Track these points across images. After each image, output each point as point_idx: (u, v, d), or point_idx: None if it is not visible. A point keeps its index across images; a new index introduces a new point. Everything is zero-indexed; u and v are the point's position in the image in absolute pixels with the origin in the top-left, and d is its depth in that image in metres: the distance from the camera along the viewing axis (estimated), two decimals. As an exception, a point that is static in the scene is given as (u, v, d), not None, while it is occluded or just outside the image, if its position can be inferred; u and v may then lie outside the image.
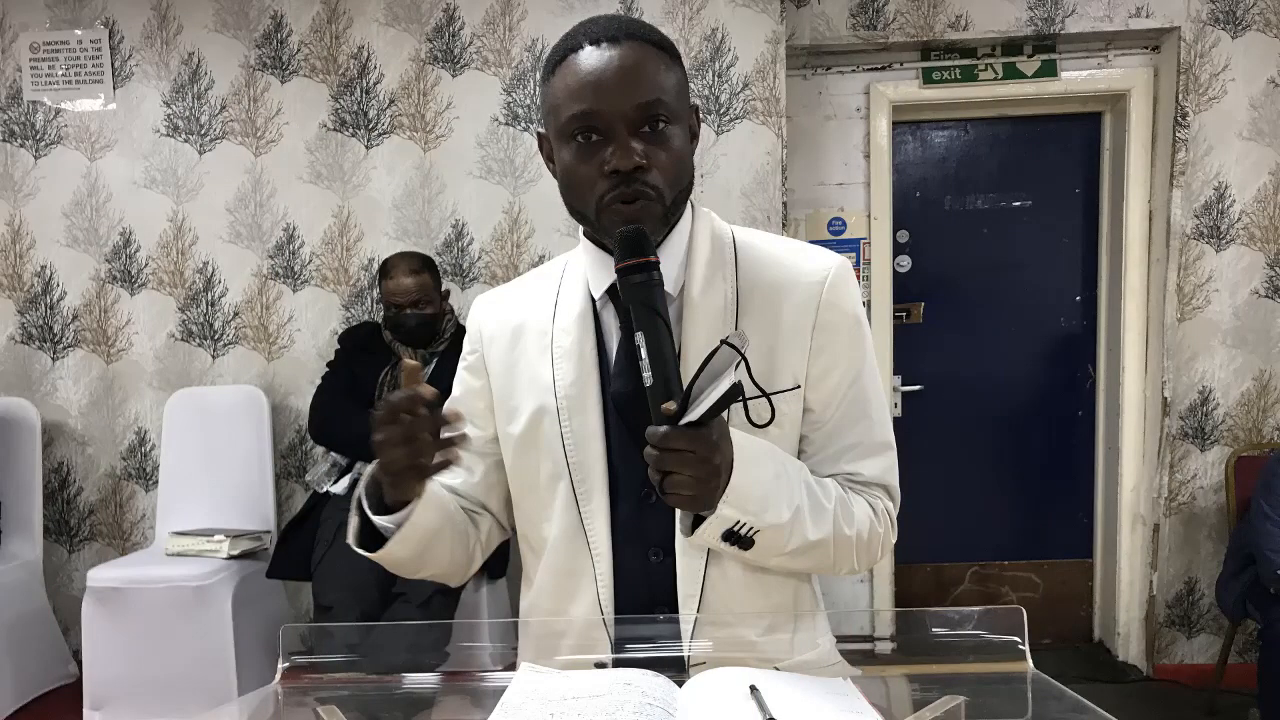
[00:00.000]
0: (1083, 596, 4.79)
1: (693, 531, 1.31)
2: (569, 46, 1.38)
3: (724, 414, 1.20)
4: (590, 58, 1.35)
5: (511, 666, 1.41)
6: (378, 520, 1.38)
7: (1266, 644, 3.57)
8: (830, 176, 4.55)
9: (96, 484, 4.50)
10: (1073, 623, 4.76)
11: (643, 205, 1.34)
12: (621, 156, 1.32)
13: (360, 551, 1.42)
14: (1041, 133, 4.64)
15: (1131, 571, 4.51)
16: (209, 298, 4.40)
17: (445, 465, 1.29)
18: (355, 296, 4.37)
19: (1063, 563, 4.80)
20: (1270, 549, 3.54)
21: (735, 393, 1.13)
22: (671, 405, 1.17)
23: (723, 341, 1.15)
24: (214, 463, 4.19)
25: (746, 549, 1.33)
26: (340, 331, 4.19)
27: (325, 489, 3.85)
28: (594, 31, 1.36)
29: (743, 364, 1.15)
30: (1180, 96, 4.20)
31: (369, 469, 1.39)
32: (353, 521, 1.42)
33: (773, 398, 1.30)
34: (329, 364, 4.05)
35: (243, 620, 3.80)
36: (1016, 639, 1.28)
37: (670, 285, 1.39)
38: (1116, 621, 4.56)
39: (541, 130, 1.46)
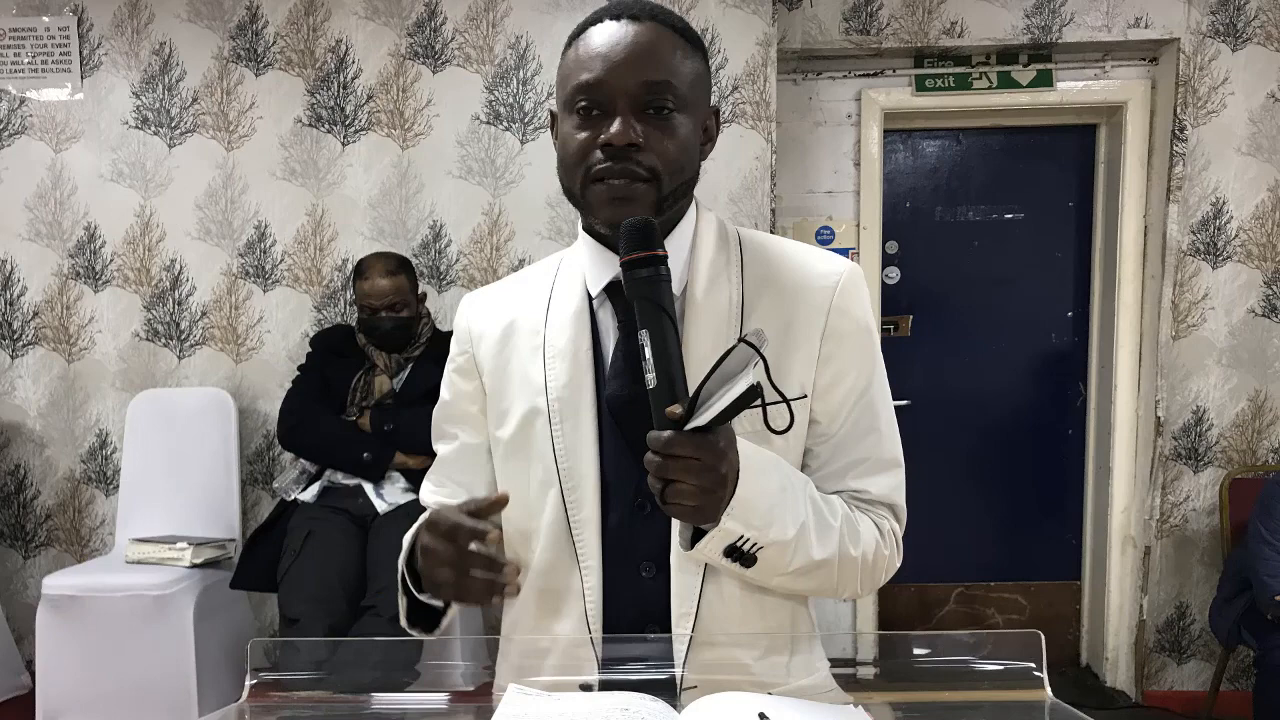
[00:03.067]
0: (1070, 619, 4.73)
1: (692, 546, 1.24)
2: (591, 20, 1.36)
3: (731, 420, 1.13)
4: (607, 31, 1.33)
5: (487, 686, 1.40)
6: (425, 599, 1.36)
7: (1263, 671, 3.52)
8: (819, 184, 4.48)
9: (54, 487, 4.36)
10: (1060, 646, 4.68)
11: (632, 185, 1.30)
12: (617, 131, 1.28)
13: (416, 634, 1.42)
14: (1035, 144, 4.59)
15: (1121, 595, 4.45)
16: (176, 296, 4.27)
17: (488, 600, 1.25)
18: (328, 298, 4.26)
19: (1050, 584, 4.74)
20: (1268, 574, 3.49)
21: (753, 395, 1.05)
22: (677, 409, 1.11)
23: (740, 339, 1.08)
24: (178, 467, 4.06)
25: (748, 566, 1.27)
26: (312, 334, 4.09)
27: (293, 497, 3.75)
28: (619, 9, 1.34)
29: (761, 364, 1.08)
30: (1178, 110, 4.14)
31: (405, 543, 1.40)
32: (402, 602, 1.41)
33: (790, 404, 1.21)
34: (300, 367, 3.96)
35: (205, 632, 3.69)
36: (1033, 665, 1.22)
37: (674, 284, 1.30)
38: (1105, 646, 4.51)
39: (554, 109, 1.42)
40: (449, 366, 1.55)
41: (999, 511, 4.76)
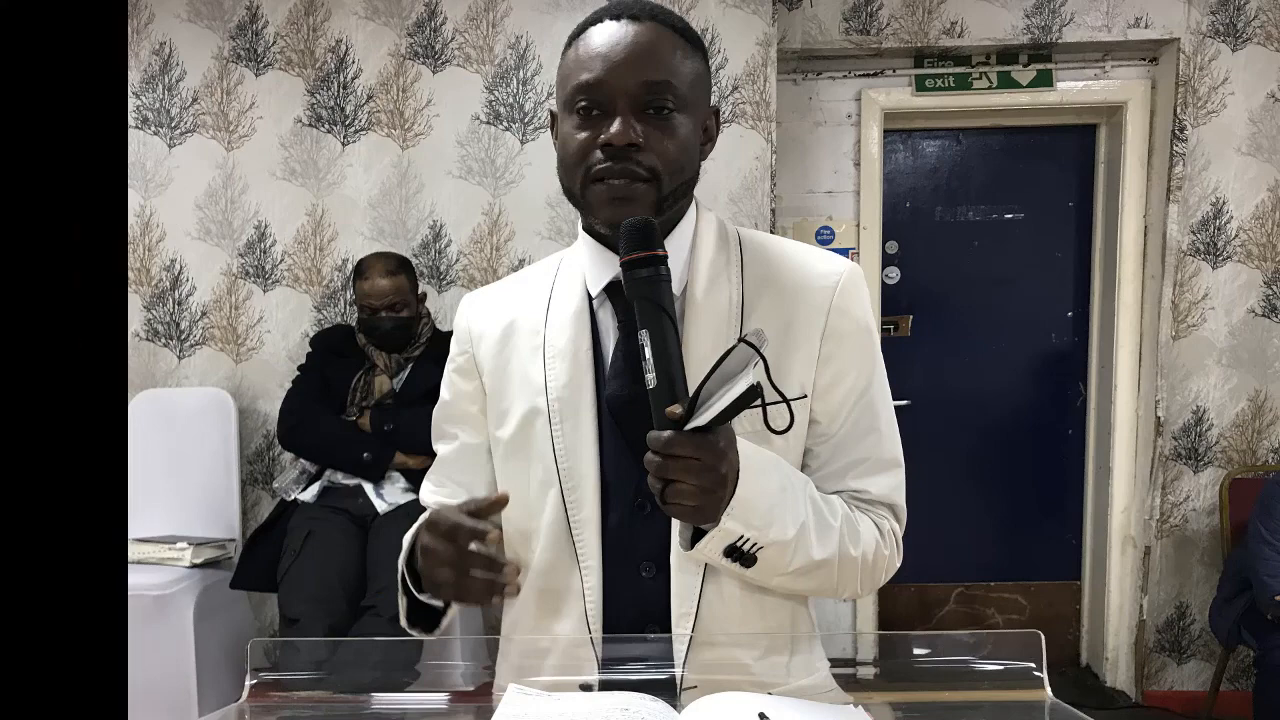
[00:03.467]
0: (1070, 619, 4.72)
1: (692, 546, 1.24)
2: (591, 20, 1.35)
3: (731, 420, 1.12)
4: (606, 31, 1.32)
5: (487, 686, 1.39)
6: (425, 599, 1.36)
7: (1263, 671, 3.51)
8: (819, 184, 4.47)
9: (54, 487, 4.33)
10: (1060, 646, 4.67)
11: (632, 185, 1.30)
12: (617, 131, 1.28)
13: (416, 634, 1.42)
14: (1035, 144, 4.58)
15: (1121, 595, 4.44)
16: (176, 296, 4.27)
17: (488, 600, 1.25)
18: (328, 298, 4.25)
19: (1050, 584, 4.73)
20: (1267, 574, 3.48)
21: (753, 395, 1.05)
22: (677, 409, 1.11)
23: (740, 339, 1.08)
24: (178, 467, 4.05)
25: (748, 566, 1.26)
26: (312, 334, 4.08)
27: (293, 497, 3.74)
28: (618, 9, 1.34)
29: (761, 364, 1.07)
30: (1178, 110, 4.13)
31: (405, 543, 1.40)
32: (402, 602, 1.41)
33: (790, 404, 1.20)
34: (300, 367, 3.95)
35: (205, 632, 3.68)
36: (1033, 665, 1.22)
37: (674, 284, 1.29)
38: (1105, 646, 4.50)
39: (554, 109, 1.41)
40: (449, 366, 1.54)
41: (999, 511, 4.74)
